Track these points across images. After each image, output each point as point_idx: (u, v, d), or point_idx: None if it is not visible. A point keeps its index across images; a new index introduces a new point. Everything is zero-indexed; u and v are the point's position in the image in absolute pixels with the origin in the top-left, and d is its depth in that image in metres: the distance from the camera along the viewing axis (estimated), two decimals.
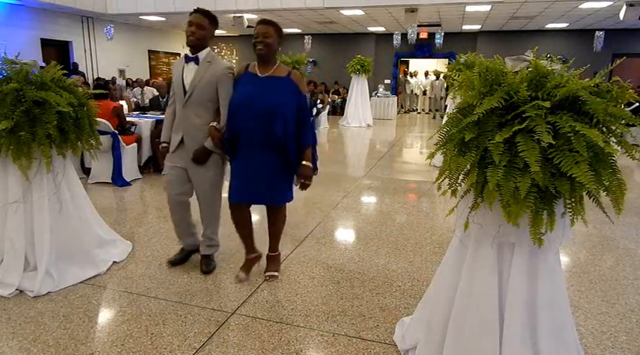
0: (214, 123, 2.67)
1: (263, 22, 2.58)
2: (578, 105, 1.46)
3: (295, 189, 2.79)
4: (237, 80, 2.68)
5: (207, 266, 2.98)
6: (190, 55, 2.74)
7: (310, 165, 2.66)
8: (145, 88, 10.89)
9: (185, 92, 2.71)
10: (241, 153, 2.61)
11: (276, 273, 2.92)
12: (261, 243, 3.04)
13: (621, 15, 8.98)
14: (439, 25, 13.47)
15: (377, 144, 9.70)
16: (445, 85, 13.83)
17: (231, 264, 3.11)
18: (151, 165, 6.09)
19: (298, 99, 2.58)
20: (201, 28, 2.68)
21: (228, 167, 2.82)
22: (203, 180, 2.80)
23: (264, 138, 2.53)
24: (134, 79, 12.45)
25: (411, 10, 10.08)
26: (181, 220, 2.99)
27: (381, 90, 14.71)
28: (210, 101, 2.71)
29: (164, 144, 2.90)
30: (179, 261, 3.08)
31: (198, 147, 2.71)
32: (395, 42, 12.71)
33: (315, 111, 10.69)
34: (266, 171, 2.60)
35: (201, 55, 2.72)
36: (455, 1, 9.48)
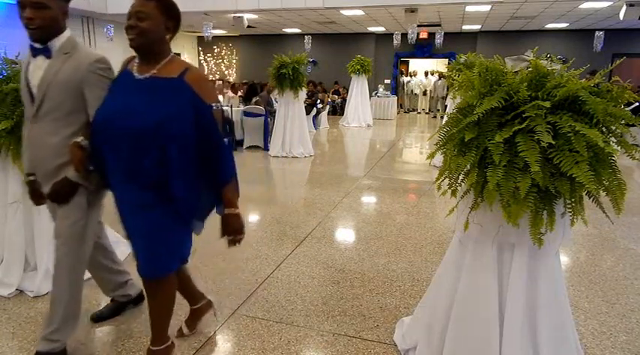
0: (79, 140, 1.78)
1: None
2: (578, 105, 1.46)
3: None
4: (114, 82, 1.84)
5: None
6: (37, 45, 1.85)
7: (238, 211, 1.81)
8: None
9: (33, 99, 1.85)
10: (114, 191, 1.85)
11: None
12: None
13: (621, 15, 8.97)
14: (439, 25, 13.47)
15: (377, 144, 9.69)
16: (446, 85, 13.83)
17: (231, 264, 3.11)
18: None
19: (198, 113, 1.68)
20: (43, 6, 1.78)
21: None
22: (57, 231, 1.91)
23: (131, 175, 1.70)
24: None
25: (411, 10, 10.07)
26: (95, 270, 2.27)
27: (381, 90, 14.70)
28: (72, 112, 1.83)
29: (31, 178, 1.94)
30: (105, 315, 2.38)
31: (58, 178, 1.84)
32: (395, 42, 12.70)
33: (314, 111, 10.73)
34: (136, 221, 1.78)
35: (55, 43, 1.84)
36: (455, 1, 9.48)
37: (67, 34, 1.87)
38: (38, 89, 1.83)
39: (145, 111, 1.64)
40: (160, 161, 1.65)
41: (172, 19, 1.75)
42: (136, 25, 1.66)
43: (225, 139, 1.78)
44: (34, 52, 1.87)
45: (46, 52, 1.85)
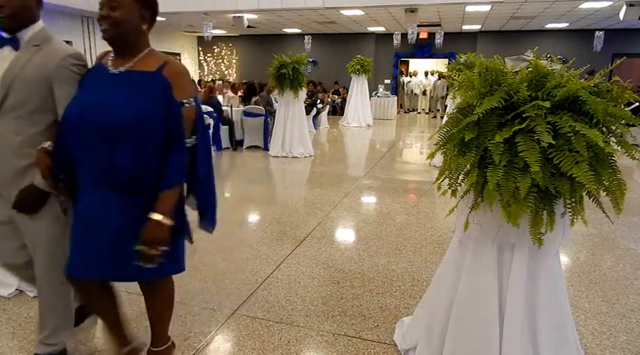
0: (46, 145, 1.66)
1: None
2: (578, 105, 1.46)
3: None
4: (84, 77, 1.70)
5: None
6: (4, 34, 1.71)
7: (165, 221, 1.56)
8: None
9: None
10: (82, 196, 1.64)
11: None
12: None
13: (621, 15, 8.98)
14: (439, 25, 13.47)
15: (377, 144, 9.69)
16: (446, 85, 13.83)
17: (231, 265, 3.11)
18: None
19: (169, 109, 1.57)
20: None
21: None
22: (33, 242, 1.79)
23: (108, 175, 1.56)
24: None
25: (411, 10, 10.08)
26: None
27: (381, 90, 14.71)
28: (38, 110, 1.68)
29: None
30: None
31: (23, 185, 1.68)
32: (395, 42, 12.71)
33: (314, 111, 10.73)
34: (117, 226, 1.59)
35: (24, 34, 1.70)
36: (455, 1, 9.48)
37: (39, 25, 1.73)
38: (2, 83, 1.66)
39: (122, 105, 1.53)
40: (137, 159, 1.54)
41: (147, 7, 1.62)
42: (108, 15, 1.54)
43: (189, 140, 1.65)
44: (0, 42, 1.71)
45: (14, 43, 1.70)
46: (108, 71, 1.62)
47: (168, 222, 1.57)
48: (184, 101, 1.62)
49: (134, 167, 1.55)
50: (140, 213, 1.58)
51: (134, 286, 2.76)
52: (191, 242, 1.85)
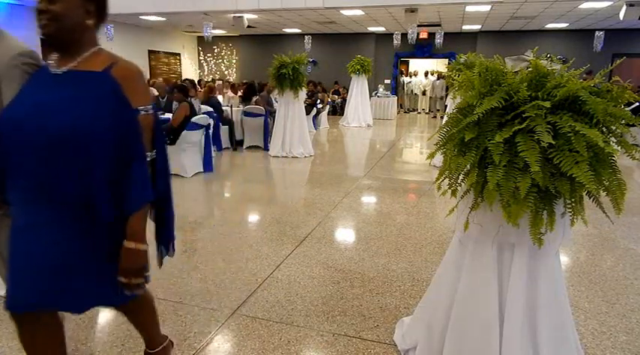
0: None
1: None
2: (578, 105, 1.46)
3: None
4: (27, 80, 1.50)
5: None
6: None
7: (140, 246, 1.42)
8: None
9: None
10: (18, 215, 1.41)
11: None
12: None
13: (621, 15, 8.98)
14: (439, 25, 13.47)
15: (377, 144, 9.70)
16: (445, 85, 13.84)
17: (231, 265, 3.11)
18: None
19: (122, 117, 1.37)
20: None
21: None
22: None
23: (46, 192, 1.34)
24: None
25: (411, 10, 10.08)
26: None
27: (381, 90, 14.71)
28: None
29: None
30: None
31: None
32: (395, 42, 12.71)
33: (314, 111, 10.73)
34: (59, 260, 1.38)
35: None
36: (455, 1, 9.48)
37: None
38: None
39: (62, 110, 1.32)
40: (81, 175, 1.32)
41: (92, 0, 1.43)
42: (47, 9, 1.35)
43: (150, 153, 1.46)
44: None
45: None
46: (49, 71, 1.42)
47: (143, 247, 1.43)
48: (140, 108, 1.42)
49: (76, 185, 1.33)
50: (91, 240, 1.39)
51: None
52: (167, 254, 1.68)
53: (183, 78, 14.76)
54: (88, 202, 1.35)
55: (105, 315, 2.45)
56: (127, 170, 1.37)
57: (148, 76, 14.42)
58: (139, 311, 1.74)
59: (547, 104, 1.42)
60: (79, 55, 1.42)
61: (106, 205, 1.36)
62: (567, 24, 12.93)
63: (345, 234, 3.87)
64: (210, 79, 15.43)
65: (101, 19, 1.50)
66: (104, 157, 1.34)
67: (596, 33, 11.78)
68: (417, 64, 18.36)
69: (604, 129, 1.48)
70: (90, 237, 1.40)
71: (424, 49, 15.69)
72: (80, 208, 1.36)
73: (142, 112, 1.43)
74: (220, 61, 17.33)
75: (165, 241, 1.65)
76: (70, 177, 1.33)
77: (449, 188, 1.70)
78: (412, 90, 16.82)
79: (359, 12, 11.35)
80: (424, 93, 16.72)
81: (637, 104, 6.78)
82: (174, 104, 6.27)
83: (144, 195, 1.41)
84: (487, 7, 10.43)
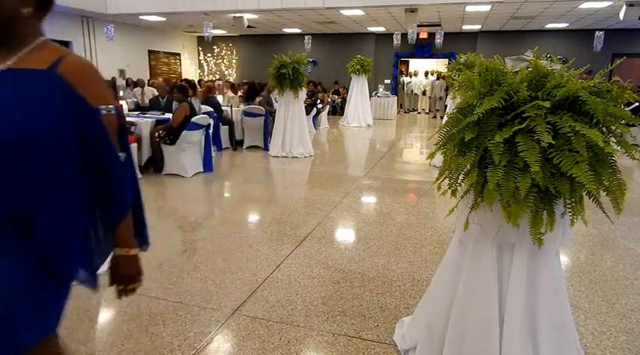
0: None
1: None
2: (578, 105, 1.47)
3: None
4: None
5: None
6: None
7: (133, 252, 1.34)
8: (145, 88, 10.91)
9: None
10: None
11: None
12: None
13: (621, 15, 8.98)
14: (439, 25, 13.47)
15: (377, 144, 9.70)
16: (445, 85, 13.84)
17: (231, 265, 3.11)
18: (152, 165, 6.09)
19: (79, 119, 1.18)
20: None
21: None
22: None
23: None
24: (135, 80, 12.47)
25: (411, 10, 10.08)
26: None
27: (381, 90, 14.71)
28: None
29: None
30: None
31: None
32: (395, 42, 12.71)
33: (314, 111, 10.73)
34: None
35: None
36: (455, 1, 9.49)
37: None
38: None
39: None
40: (20, 184, 1.13)
41: None
42: None
43: (122, 154, 1.28)
44: None
45: None
46: None
47: (135, 251, 1.35)
48: (101, 107, 1.23)
49: (17, 197, 1.14)
50: (21, 257, 1.16)
51: None
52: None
53: (183, 78, 14.77)
54: (20, 220, 1.15)
55: (105, 315, 2.46)
56: (103, 180, 1.24)
57: (148, 76, 14.43)
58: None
59: (547, 104, 1.42)
60: (19, 50, 1.20)
61: (48, 216, 1.16)
62: (567, 24, 12.94)
63: (345, 234, 3.87)
64: (210, 79, 15.43)
65: (43, 7, 1.27)
66: (60, 164, 1.16)
67: (596, 33, 11.78)
68: (417, 64, 18.36)
69: (604, 129, 1.49)
70: (16, 260, 1.15)
71: (424, 49, 15.70)
72: (16, 228, 1.15)
73: (104, 112, 1.24)
74: (220, 61, 17.33)
75: (141, 232, 1.45)
76: (11, 200, 1.13)
77: (449, 188, 1.70)
78: (412, 91, 16.82)
79: (359, 12, 11.35)
80: (424, 93, 16.72)
81: (637, 104, 6.78)
82: (174, 104, 6.28)
83: (127, 199, 1.30)
84: (487, 7, 10.43)
